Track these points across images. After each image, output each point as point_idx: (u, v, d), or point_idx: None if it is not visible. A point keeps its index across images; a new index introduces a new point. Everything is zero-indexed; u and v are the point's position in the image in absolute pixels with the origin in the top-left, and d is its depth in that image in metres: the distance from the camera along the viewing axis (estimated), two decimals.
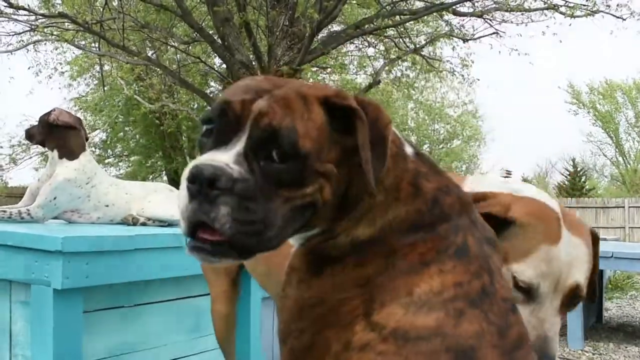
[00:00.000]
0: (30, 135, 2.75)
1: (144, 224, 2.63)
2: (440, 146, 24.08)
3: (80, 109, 15.71)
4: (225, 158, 0.87)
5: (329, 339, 0.94)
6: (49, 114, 2.65)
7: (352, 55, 13.64)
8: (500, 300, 0.93)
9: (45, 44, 11.65)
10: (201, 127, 0.96)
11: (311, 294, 1.02)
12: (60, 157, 2.60)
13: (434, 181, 1.02)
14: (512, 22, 10.07)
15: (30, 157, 15.30)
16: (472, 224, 1.02)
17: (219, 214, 0.85)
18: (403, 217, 0.99)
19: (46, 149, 2.69)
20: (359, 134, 0.91)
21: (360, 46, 12.94)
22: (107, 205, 2.64)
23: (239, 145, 0.89)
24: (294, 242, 1.05)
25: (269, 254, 1.47)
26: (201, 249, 0.88)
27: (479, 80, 11.98)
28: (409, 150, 1.05)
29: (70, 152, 2.61)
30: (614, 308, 5.80)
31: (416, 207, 0.99)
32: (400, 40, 10.84)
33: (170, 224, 2.65)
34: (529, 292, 1.21)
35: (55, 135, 2.62)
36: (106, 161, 17.24)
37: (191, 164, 0.88)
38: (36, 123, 2.73)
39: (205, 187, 0.85)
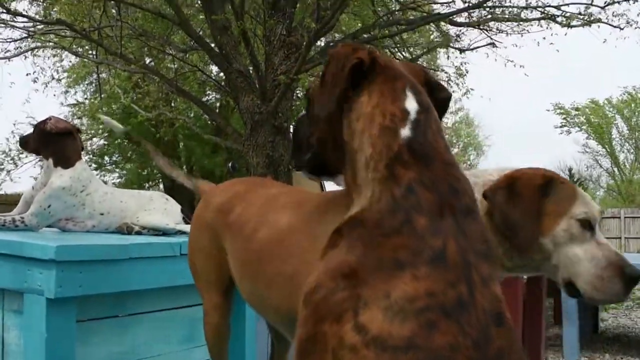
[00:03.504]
0: (24, 142, 2.74)
1: (139, 233, 2.61)
2: None
3: (75, 115, 15.63)
4: None
5: (325, 333, 0.94)
6: (44, 122, 2.63)
7: None
8: (480, 311, 0.88)
9: (43, 50, 11.63)
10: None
11: (312, 278, 1.01)
12: (56, 165, 2.58)
13: (415, 171, 0.97)
14: (508, 33, 10.10)
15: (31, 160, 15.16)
16: (458, 231, 0.94)
17: None
18: (377, 197, 0.97)
19: (40, 157, 2.67)
20: None
21: None
22: (102, 214, 2.62)
23: None
24: None
25: (255, 270, 1.45)
26: None
27: (472, 90, 11.97)
28: (404, 132, 1.01)
29: (65, 160, 2.59)
30: (610, 318, 5.80)
31: (390, 190, 0.96)
32: (397, 50, 10.86)
33: (165, 232, 2.64)
34: (591, 226, 1.41)
35: (51, 143, 2.60)
36: (103, 169, 17.15)
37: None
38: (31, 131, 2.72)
39: None
